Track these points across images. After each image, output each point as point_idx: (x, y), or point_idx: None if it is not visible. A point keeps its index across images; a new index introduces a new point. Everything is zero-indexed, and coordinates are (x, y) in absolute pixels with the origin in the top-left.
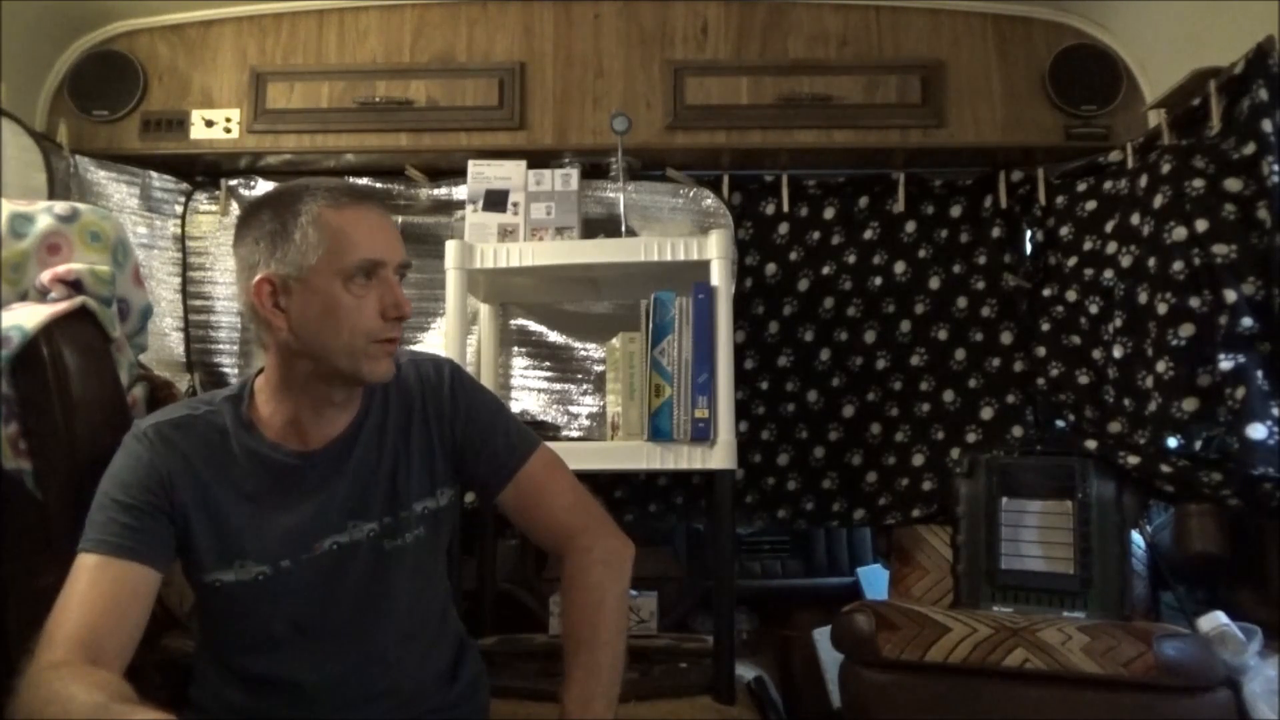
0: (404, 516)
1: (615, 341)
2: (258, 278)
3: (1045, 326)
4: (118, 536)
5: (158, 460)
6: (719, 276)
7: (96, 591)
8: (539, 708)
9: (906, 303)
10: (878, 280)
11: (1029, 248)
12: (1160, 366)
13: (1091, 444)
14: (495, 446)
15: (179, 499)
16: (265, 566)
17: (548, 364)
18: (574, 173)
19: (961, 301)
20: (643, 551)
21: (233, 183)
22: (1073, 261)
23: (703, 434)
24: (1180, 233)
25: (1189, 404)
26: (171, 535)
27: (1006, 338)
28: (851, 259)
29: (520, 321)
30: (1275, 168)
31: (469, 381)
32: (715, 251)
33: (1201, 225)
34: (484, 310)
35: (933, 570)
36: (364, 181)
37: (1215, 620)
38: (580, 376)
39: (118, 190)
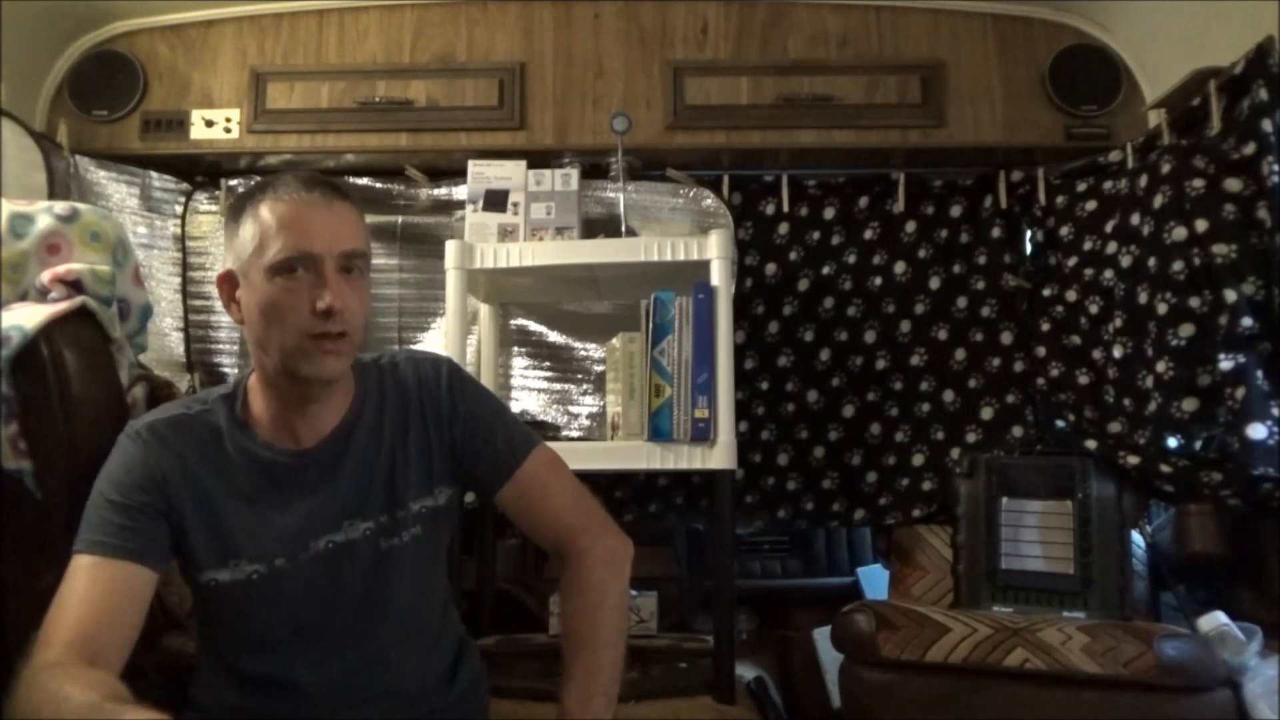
0: (401, 515)
1: (615, 341)
2: (220, 272)
3: (1045, 326)
4: (113, 537)
5: (152, 460)
6: (719, 276)
7: (92, 592)
8: (539, 708)
9: (906, 303)
10: (878, 280)
11: (1029, 248)
12: (1160, 366)
13: (1091, 444)
14: (494, 445)
15: (173, 498)
16: (260, 566)
17: (548, 364)
18: (574, 173)
19: (961, 301)
20: (643, 551)
21: (233, 183)
22: (1073, 261)
23: (703, 434)
24: (1180, 233)
25: (1189, 404)
26: (167, 535)
27: (1006, 338)
28: (851, 259)
29: (520, 321)
30: (1275, 168)
31: (467, 381)
32: (715, 251)
33: (1201, 225)
34: (484, 310)
35: (933, 570)
36: (364, 181)
37: (1215, 620)
38: (580, 376)
39: (118, 190)
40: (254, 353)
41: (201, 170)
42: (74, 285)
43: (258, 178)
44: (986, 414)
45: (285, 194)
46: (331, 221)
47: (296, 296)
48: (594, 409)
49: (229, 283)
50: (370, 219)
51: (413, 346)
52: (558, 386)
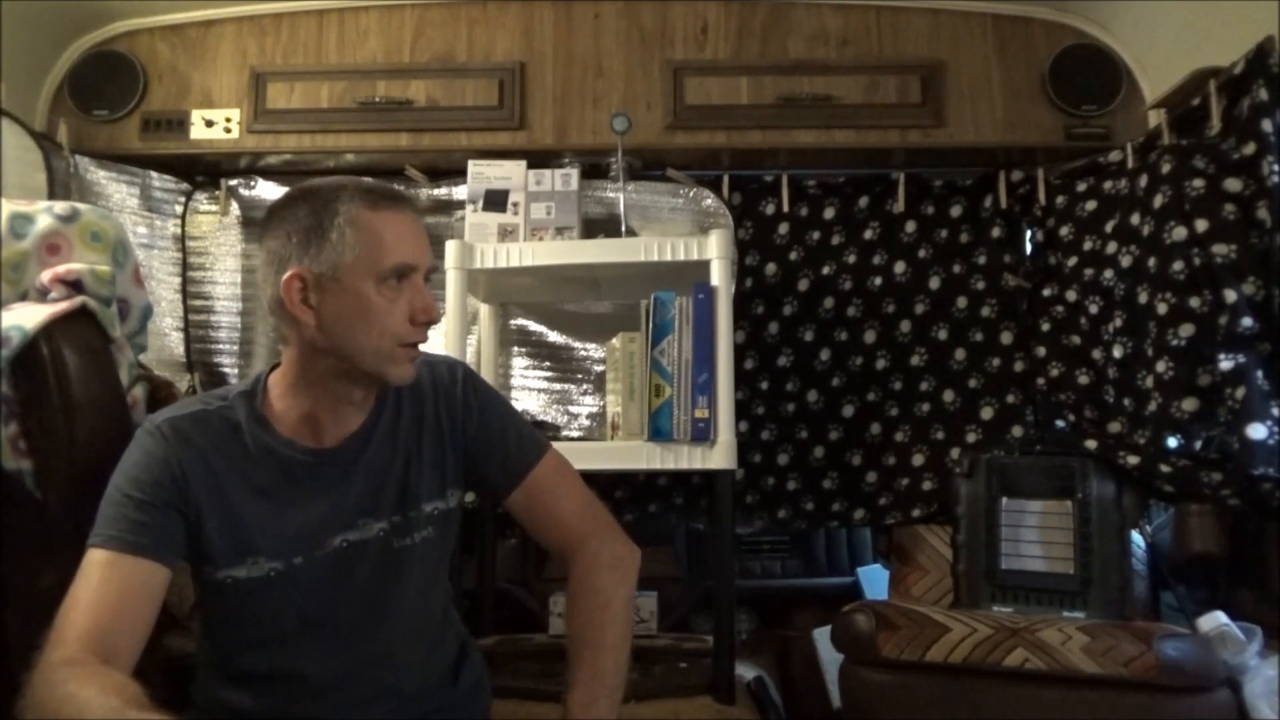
0: (414, 516)
1: (615, 341)
2: (289, 273)
3: (1045, 326)
4: (129, 532)
5: (171, 455)
6: (719, 276)
7: (107, 588)
8: (539, 708)
9: (906, 303)
10: (878, 280)
11: (1029, 248)
12: (1160, 366)
13: (1091, 444)
14: (506, 449)
15: (192, 494)
16: (278, 563)
17: (548, 364)
18: (574, 173)
19: (961, 301)
20: (643, 551)
21: (233, 183)
22: (1073, 261)
23: (703, 434)
24: (1180, 233)
25: (1189, 404)
26: (183, 531)
27: (1006, 338)
28: (851, 259)
29: (520, 321)
30: (1275, 168)
31: (481, 384)
32: (715, 251)
33: (1201, 225)
34: (484, 310)
35: (933, 570)
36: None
37: (1215, 620)
38: (580, 376)
39: (118, 190)
40: (304, 353)
41: (201, 170)
42: (74, 285)
43: (258, 178)
44: (986, 414)
45: (385, 204)
46: (423, 236)
47: (396, 304)
48: (594, 409)
49: (300, 283)
50: None
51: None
52: (558, 386)
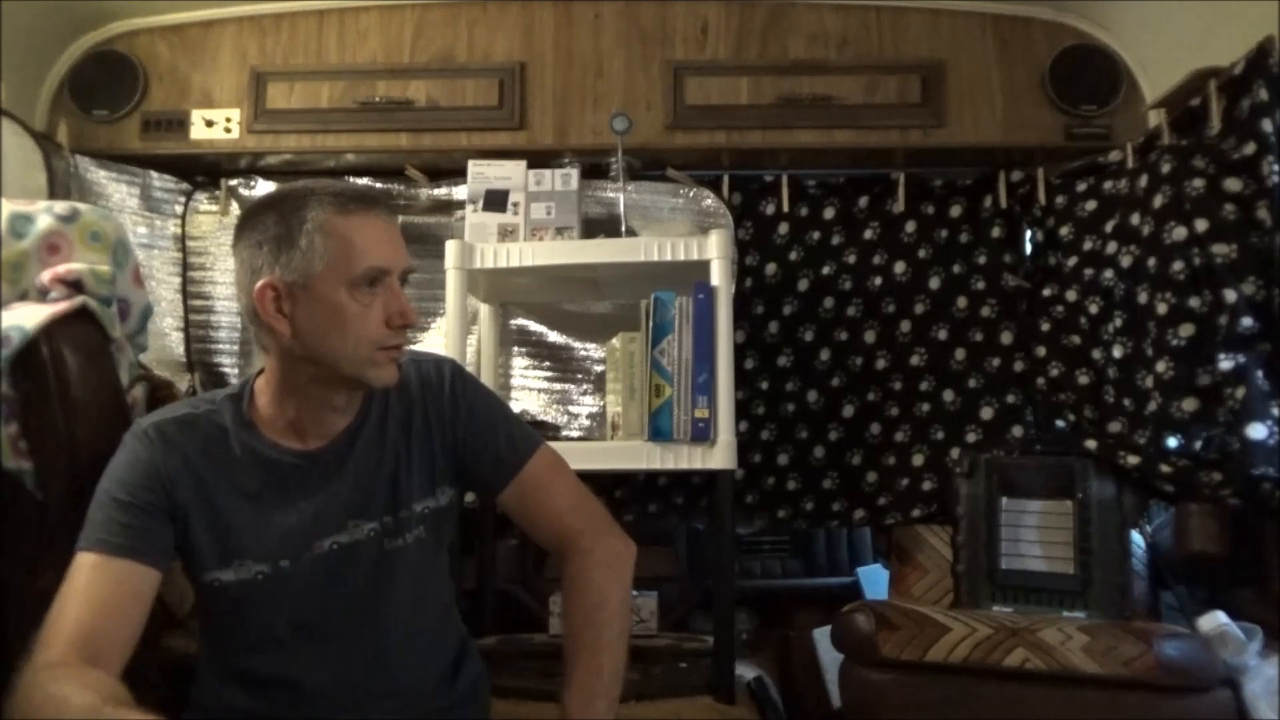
0: (404, 516)
1: (615, 341)
2: (261, 283)
3: (1045, 326)
4: (117, 536)
5: (158, 459)
6: (719, 276)
7: (95, 591)
8: (539, 708)
9: (906, 303)
10: (878, 280)
11: (1029, 248)
12: (1160, 366)
13: (1091, 444)
14: (497, 446)
15: (179, 498)
16: (264, 566)
17: (548, 364)
18: (574, 173)
19: (961, 301)
20: (643, 551)
21: (233, 183)
22: (1073, 261)
23: (703, 434)
24: (1180, 233)
25: (1189, 404)
26: (171, 534)
27: (1006, 338)
28: (851, 259)
29: (520, 321)
30: (1275, 168)
31: (470, 381)
32: (715, 251)
33: (1201, 225)
34: (484, 310)
35: (933, 570)
36: (364, 181)
37: (1215, 620)
38: (580, 376)
39: (118, 190)
40: (283, 360)
41: (201, 170)
42: (74, 285)
43: (258, 178)
44: (986, 414)
45: (354, 208)
46: (397, 237)
47: (371, 309)
48: (594, 409)
49: (273, 293)
50: None
51: (413, 346)
52: (558, 386)
